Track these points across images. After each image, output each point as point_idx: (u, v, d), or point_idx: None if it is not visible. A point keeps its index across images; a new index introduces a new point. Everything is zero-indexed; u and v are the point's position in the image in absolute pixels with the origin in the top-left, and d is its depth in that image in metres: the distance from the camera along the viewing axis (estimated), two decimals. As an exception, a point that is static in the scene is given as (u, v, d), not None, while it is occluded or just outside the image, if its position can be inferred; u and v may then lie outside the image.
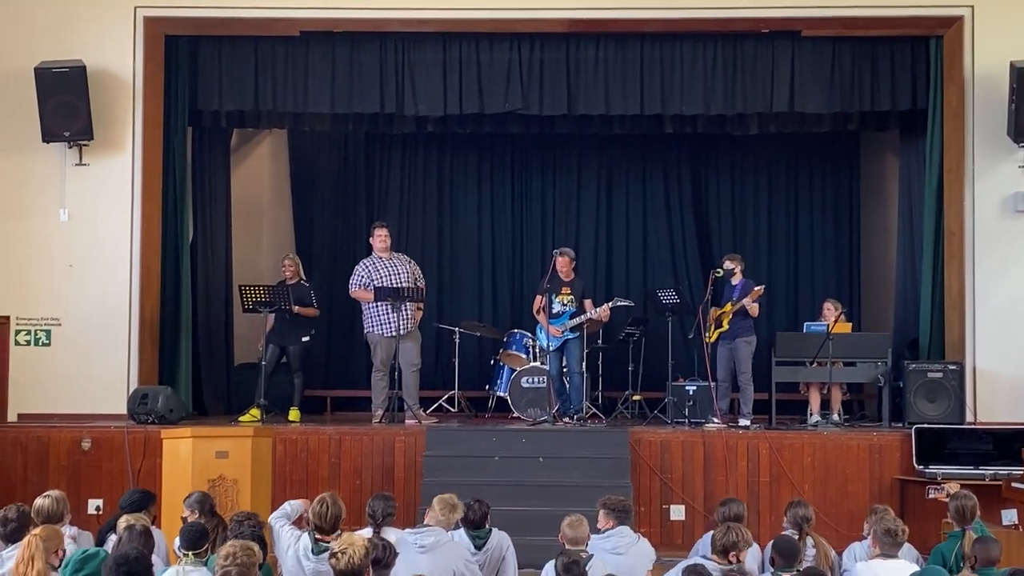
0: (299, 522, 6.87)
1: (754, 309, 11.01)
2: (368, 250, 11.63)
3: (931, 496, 8.47)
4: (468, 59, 11.59)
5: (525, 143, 13.93)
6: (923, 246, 11.61)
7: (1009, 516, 8.98)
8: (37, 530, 5.62)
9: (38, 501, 7.00)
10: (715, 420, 10.79)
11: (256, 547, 5.29)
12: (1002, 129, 10.81)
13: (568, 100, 11.60)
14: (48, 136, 10.89)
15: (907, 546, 6.57)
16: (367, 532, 6.53)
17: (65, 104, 10.79)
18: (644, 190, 14.13)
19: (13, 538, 6.39)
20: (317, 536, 6.26)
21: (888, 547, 6.23)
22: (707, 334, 11.14)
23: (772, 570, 6.13)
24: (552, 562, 6.49)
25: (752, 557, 6.85)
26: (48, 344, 11.06)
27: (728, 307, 11.04)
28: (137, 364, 11.04)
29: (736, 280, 11.21)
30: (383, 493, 7.27)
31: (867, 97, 11.57)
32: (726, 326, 11.00)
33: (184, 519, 6.69)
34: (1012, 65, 10.64)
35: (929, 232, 11.47)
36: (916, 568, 6.09)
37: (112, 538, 6.41)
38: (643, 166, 14.13)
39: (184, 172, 11.75)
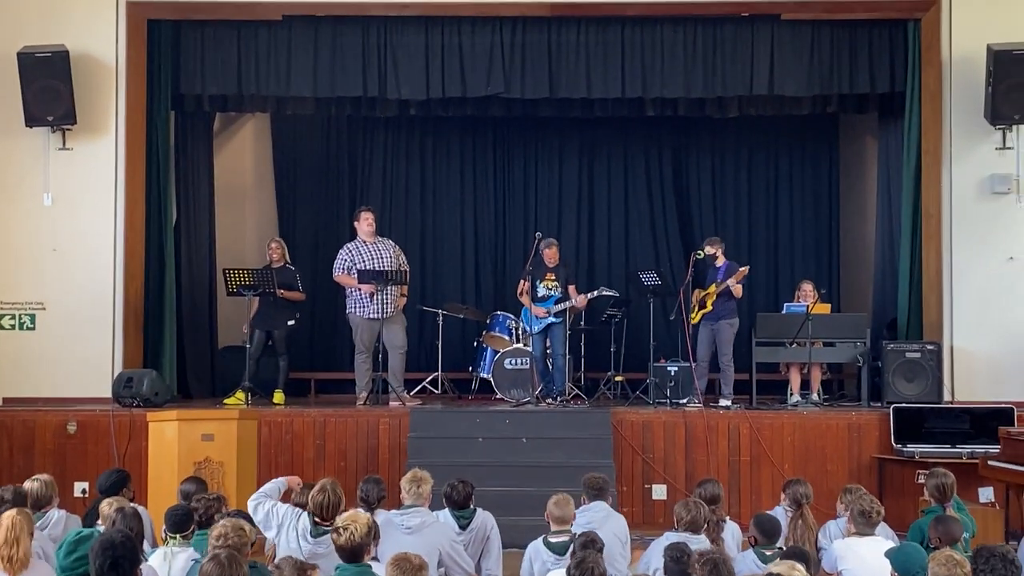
0: (286, 497, 6.90)
1: (738, 290, 11.10)
2: (352, 234, 11.64)
3: (920, 481, 8.56)
4: (450, 43, 11.62)
5: (507, 126, 13.97)
6: (901, 227, 11.70)
7: (986, 494, 9.15)
8: (13, 511, 5.59)
9: (27, 484, 7.05)
10: (696, 401, 10.89)
11: (248, 527, 5.35)
12: (979, 112, 10.90)
13: (550, 83, 11.66)
14: (31, 120, 10.89)
15: (882, 524, 6.68)
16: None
17: (48, 89, 10.79)
18: (626, 172, 14.18)
19: None
20: (316, 520, 6.27)
21: (862, 526, 6.34)
22: (691, 315, 11.24)
23: (754, 548, 6.22)
24: (534, 543, 6.61)
25: (731, 534, 6.97)
26: (33, 328, 11.09)
27: (712, 288, 11.12)
28: (122, 347, 11.08)
29: (720, 263, 11.29)
30: (374, 476, 7.28)
31: (846, 80, 11.67)
32: (710, 307, 11.07)
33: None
34: (989, 48, 10.73)
35: (907, 214, 11.57)
36: (892, 544, 6.20)
37: (100, 522, 6.40)
38: (624, 148, 14.17)
39: (167, 156, 11.78)
